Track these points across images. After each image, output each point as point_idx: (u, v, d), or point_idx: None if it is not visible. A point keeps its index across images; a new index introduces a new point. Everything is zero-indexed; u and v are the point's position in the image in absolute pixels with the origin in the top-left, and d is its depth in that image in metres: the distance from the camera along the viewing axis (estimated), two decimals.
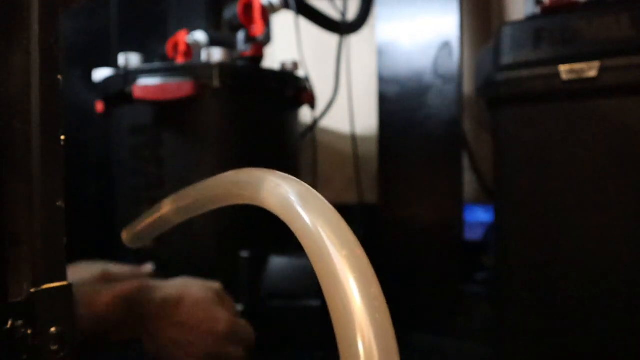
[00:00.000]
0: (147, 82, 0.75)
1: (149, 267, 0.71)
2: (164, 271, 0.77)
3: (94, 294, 0.57)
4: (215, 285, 0.64)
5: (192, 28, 1.19)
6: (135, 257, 0.81)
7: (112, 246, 0.88)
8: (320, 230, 0.24)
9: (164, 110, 0.76)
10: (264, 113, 0.81)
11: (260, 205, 0.29)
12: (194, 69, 0.75)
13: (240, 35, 0.83)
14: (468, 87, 0.86)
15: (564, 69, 0.54)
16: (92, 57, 1.09)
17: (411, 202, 0.88)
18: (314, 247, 0.24)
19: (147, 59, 0.84)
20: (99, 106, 0.85)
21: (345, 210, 1.08)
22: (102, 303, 0.55)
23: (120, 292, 0.57)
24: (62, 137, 0.29)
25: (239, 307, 0.68)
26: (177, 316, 0.57)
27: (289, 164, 0.87)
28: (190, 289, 0.60)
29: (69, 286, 0.29)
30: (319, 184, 1.07)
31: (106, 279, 0.62)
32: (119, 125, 0.82)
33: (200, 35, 0.98)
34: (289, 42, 1.13)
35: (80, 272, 0.62)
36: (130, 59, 0.80)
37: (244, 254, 0.76)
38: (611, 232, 0.53)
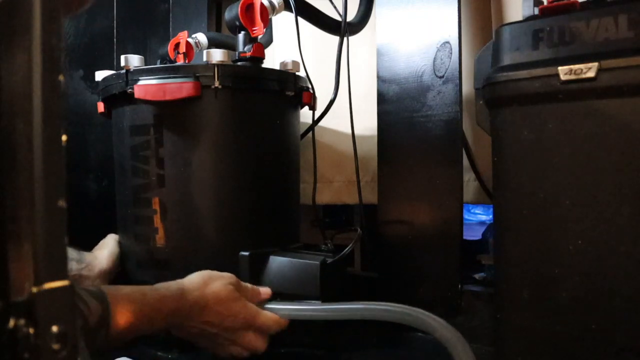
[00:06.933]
0: (148, 83, 0.75)
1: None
2: (166, 270, 0.77)
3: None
4: (232, 278, 0.70)
5: (193, 29, 1.20)
6: (137, 256, 0.81)
7: None
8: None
9: (164, 110, 0.77)
10: (264, 113, 0.82)
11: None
12: (195, 70, 0.75)
13: (241, 37, 0.83)
14: (467, 87, 0.86)
15: (562, 70, 0.54)
16: (94, 58, 1.09)
17: (411, 202, 0.88)
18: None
19: (148, 60, 0.84)
20: (100, 107, 0.86)
21: (345, 210, 1.09)
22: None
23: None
24: (64, 138, 0.29)
25: None
26: (205, 316, 0.65)
27: (289, 164, 0.87)
28: (213, 287, 0.67)
29: (71, 286, 0.29)
30: (319, 184, 1.07)
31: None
32: (119, 126, 0.83)
33: (201, 37, 0.98)
34: (289, 42, 1.14)
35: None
36: (131, 60, 0.80)
37: (244, 253, 0.77)
38: (610, 231, 0.54)
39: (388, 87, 0.91)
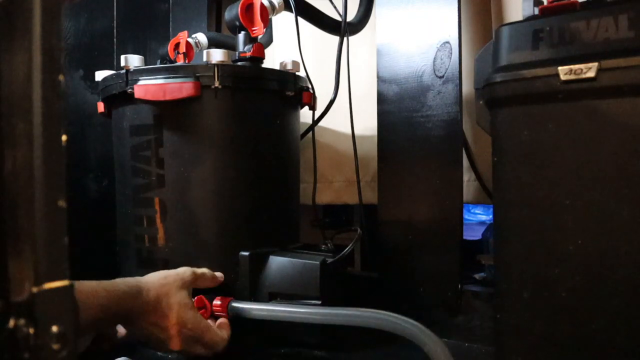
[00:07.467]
0: (148, 83, 0.75)
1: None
2: (166, 270, 0.77)
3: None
4: (186, 279, 0.71)
5: (193, 29, 1.20)
6: (137, 256, 0.81)
7: (113, 246, 0.88)
8: None
9: (164, 110, 0.77)
10: (264, 113, 0.82)
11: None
12: (195, 70, 0.75)
13: (241, 37, 0.83)
14: (467, 87, 0.86)
15: (562, 70, 0.54)
16: (94, 58, 1.09)
17: (411, 202, 0.88)
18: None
19: (148, 60, 0.84)
20: (100, 107, 0.86)
21: (345, 210, 1.09)
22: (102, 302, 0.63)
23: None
24: (64, 137, 0.29)
25: None
26: (154, 318, 0.67)
27: (289, 164, 0.87)
28: (168, 291, 0.68)
29: (71, 286, 0.29)
30: (319, 184, 1.07)
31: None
32: (120, 126, 0.83)
33: (201, 37, 0.98)
34: (289, 42, 1.14)
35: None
36: (131, 60, 0.80)
37: (244, 253, 0.77)
38: (610, 231, 0.54)
39: (388, 87, 0.91)
